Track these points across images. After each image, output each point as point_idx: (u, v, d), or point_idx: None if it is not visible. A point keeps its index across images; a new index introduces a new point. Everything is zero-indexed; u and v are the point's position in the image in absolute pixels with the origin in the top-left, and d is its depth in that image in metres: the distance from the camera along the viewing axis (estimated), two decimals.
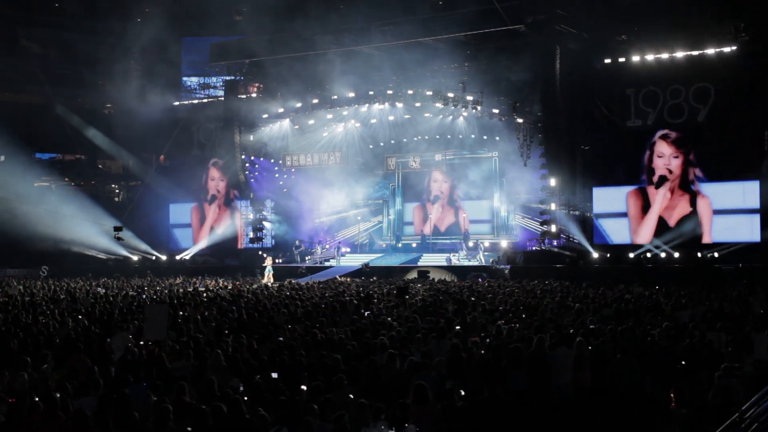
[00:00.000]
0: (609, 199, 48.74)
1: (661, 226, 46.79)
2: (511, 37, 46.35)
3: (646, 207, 47.35)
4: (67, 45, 68.37)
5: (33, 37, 70.81)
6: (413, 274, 47.27)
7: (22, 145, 64.37)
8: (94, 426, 11.66)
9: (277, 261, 55.55)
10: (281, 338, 19.27)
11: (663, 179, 46.69)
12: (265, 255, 50.22)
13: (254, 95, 58.56)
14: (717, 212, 45.64)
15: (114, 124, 68.40)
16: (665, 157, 46.80)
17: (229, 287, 39.97)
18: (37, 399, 12.76)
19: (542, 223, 47.76)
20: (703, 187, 46.02)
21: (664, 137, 46.85)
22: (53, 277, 50.95)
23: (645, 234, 47.17)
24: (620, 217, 48.16)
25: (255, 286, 41.08)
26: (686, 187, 46.50)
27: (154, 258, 59.45)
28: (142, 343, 18.95)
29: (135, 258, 59.85)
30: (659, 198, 46.95)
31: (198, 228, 63.73)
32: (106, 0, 55.28)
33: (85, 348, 17.70)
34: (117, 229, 46.45)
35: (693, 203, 46.20)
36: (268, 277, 47.08)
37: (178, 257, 59.37)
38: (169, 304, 27.30)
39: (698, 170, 46.03)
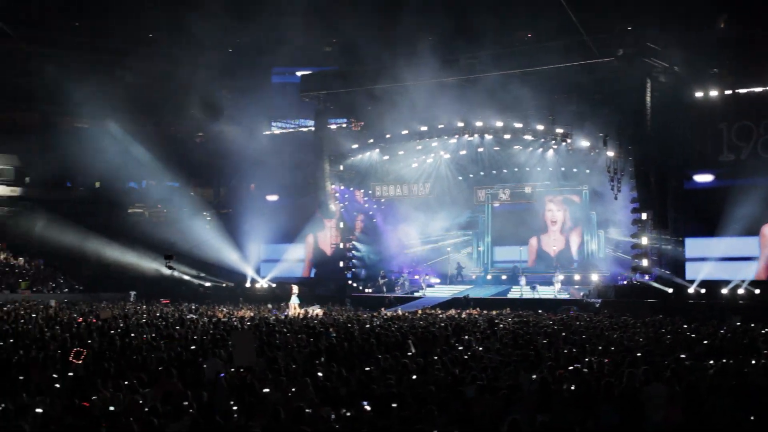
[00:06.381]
0: (701, 246, 47.28)
1: None
2: (602, 70, 46.13)
3: None
4: (160, 74, 69.61)
5: (126, 66, 72.27)
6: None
7: (115, 173, 65.81)
8: None
9: (366, 291, 55.87)
10: (370, 368, 19.34)
11: None
12: (291, 284, 49.45)
13: (344, 125, 59.02)
14: None
15: (205, 152, 69.38)
16: None
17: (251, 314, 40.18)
18: (131, 420, 13.01)
19: (634, 257, 47.29)
20: None
21: None
22: (141, 302, 51.73)
23: None
24: (732, 261, 45.90)
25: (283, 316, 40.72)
26: None
27: (248, 285, 59.81)
28: (233, 369, 19.11)
29: (224, 285, 60.55)
30: None
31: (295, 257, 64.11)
32: (198, 31, 56.10)
33: (178, 372, 17.97)
34: (168, 257, 46.68)
35: None
36: (294, 308, 45.52)
37: (265, 284, 59.65)
38: (263, 330, 27.65)
39: None
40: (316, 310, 44.81)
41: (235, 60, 68.08)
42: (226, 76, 67.62)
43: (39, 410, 13.69)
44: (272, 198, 64.88)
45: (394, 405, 14.56)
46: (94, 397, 15.07)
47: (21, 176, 72.62)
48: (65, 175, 72.59)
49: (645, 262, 46.08)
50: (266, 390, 16.52)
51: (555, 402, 15.44)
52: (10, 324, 30.61)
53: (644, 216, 45.94)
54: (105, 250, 62.01)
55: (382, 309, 44.92)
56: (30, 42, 71.97)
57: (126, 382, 16.45)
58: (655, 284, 45.53)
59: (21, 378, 17.37)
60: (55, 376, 17.64)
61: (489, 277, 58.54)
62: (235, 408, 14.81)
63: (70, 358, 18.98)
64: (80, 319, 34.42)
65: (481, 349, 23.07)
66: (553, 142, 48.94)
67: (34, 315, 36.13)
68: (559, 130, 47.20)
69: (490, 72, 48.11)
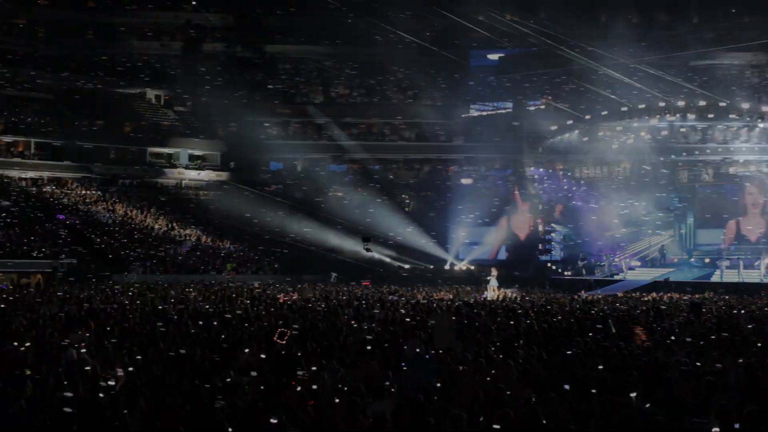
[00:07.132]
0: None
1: None
2: None
3: None
4: (358, 57, 70.67)
5: (330, 55, 73.74)
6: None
7: (316, 157, 67.18)
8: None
9: (565, 273, 55.36)
10: (570, 351, 19.16)
11: None
12: (491, 267, 48.54)
13: (542, 107, 58.55)
14: None
15: (403, 135, 69.98)
16: None
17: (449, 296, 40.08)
18: (337, 401, 13.24)
19: None
20: None
21: None
22: (342, 283, 52.51)
23: None
24: None
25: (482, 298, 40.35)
26: None
27: (447, 267, 60.09)
28: (433, 351, 19.19)
29: (423, 267, 60.88)
30: None
31: (492, 239, 64.14)
32: (395, 16, 56.67)
33: (379, 353, 18.19)
34: (366, 239, 46.94)
35: None
36: (492, 290, 43.83)
37: (463, 267, 59.72)
38: (462, 312, 27.71)
39: None
40: (515, 293, 44.57)
41: (433, 43, 68.28)
42: (425, 59, 67.97)
43: (247, 388, 14.10)
44: (468, 181, 65.03)
45: (594, 390, 14.41)
46: (298, 376, 15.41)
47: (226, 161, 74.87)
48: (267, 160, 74.47)
49: None
50: (466, 372, 16.57)
51: (763, 389, 14.99)
52: (217, 305, 31.68)
53: None
54: (306, 232, 63.25)
55: (582, 292, 44.48)
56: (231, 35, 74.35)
57: (327, 362, 16.76)
58: None
59: (228, 357, 17.94)
60: (262, 356, 18.11)
61: (692, 260, 57.18)
62: (436, 389, 14.89)
63: (275, 338, 19.44)
64: (282, 299, 35.32)
65: (685, 333, 22.58)
66: (760, 120, 47.28)
67: (239, 296, 37.22)
68: (766, 109, 45.60)
69: (691, 50, 46.94)
